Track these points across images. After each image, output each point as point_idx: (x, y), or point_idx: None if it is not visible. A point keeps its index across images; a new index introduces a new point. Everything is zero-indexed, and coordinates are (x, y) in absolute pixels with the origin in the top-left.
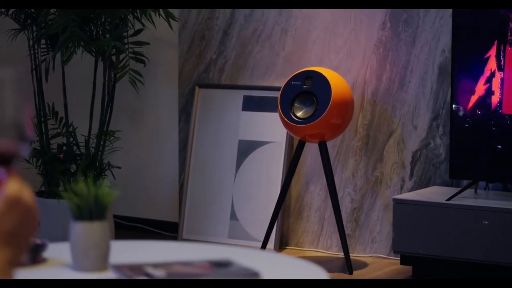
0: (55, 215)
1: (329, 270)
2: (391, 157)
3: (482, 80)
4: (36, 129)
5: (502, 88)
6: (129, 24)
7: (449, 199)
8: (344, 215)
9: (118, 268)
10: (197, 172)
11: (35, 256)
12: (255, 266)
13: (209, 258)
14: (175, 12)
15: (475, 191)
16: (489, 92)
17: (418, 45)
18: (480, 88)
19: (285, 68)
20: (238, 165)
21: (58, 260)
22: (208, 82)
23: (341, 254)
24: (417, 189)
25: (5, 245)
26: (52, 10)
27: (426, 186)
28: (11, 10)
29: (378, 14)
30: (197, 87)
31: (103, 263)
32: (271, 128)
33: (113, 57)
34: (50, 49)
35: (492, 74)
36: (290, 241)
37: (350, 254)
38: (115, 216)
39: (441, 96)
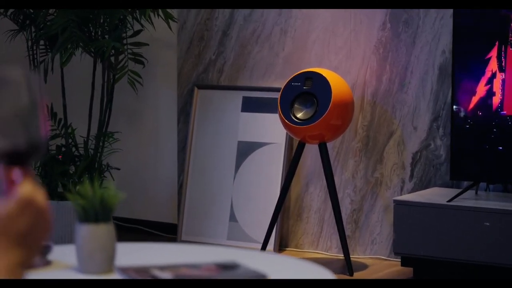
0: (54, 217)
1: None
2: (391, 158)
3: (483, 81)
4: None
5: (503, 89)
6: (128, 25)
7: (450, 200)
8: (344, 216)
9: (124, 270)
10: (196, 173)
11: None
12: (261, 268)
13: (216, 261)
14: (174, 12)
15: (476, 192)
16: (490, 93)
17: (418, 45)
18: (481, 89)
19: (285, 69)
20: (238, 166)
21: (63, 263)
22: (207, 83)
23: (341, 256)
24: (417, 190)
25: (16, 246)
26: (51, 11)
27: (426, 187)
28: (10, 11)
29: (378, 15)
30: (196, 88)
31: (109, 266)
32: (270, 129)
33: (112, 58)
34: (49, 50)
35: (493, 75)
36: (289, 242)
37: (350, 256)
38: (113, 218)
39: (441, 97)
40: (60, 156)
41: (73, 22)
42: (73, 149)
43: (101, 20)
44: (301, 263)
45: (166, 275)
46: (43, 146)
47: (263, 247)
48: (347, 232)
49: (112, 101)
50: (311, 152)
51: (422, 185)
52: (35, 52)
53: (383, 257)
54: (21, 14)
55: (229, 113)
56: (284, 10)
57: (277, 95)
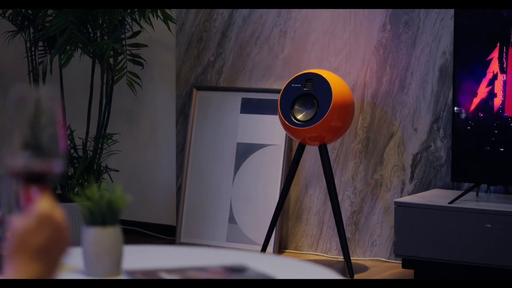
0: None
1: None
2: (391, 160)
3: (484, 82)
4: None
5: (504, 91)
6: (127, 26)
7: (451, 202)
8: (343, 218)
9: (131, 273)
10: (195, 175)
11: None
12: (269, 270)
13: (223, 263)
14: (172, 13)
15: (477, 194)
16: (491, 95)
17: (418, 47)
18: (482, 91)
19: (284, 71)
20: (237, 168)
21: (69, 266)
22: (206, 84)
23: (340, 258)
24: (417, 192)
25: (36, 261)
26: (49, 12)
27: (426, 189)
28: (8, 12)
29: (378, 16)
30: (194, 89)
31: (116, 269)
32: (270, 131)
33: (111, 60)
34: (48, 51)
35: (495, 77)
36: (289, 244)
37: (350, 258)
38: None
39: (442, 99)
40: None
41: (72, 23)
42: (72, 150)
43: (100, 21)
44: (308, 266)
45: (173, 278)
46: (61, 165)
47: (263, 249)
48: (347, 234)
49: (111, 103)
50: (311, 153)
51: (423, 186)
52: (33, 53)
53: (383, 259)
54: (19, 15)
55: (228, 115)
56: (283, 11)
57: (277, 97)
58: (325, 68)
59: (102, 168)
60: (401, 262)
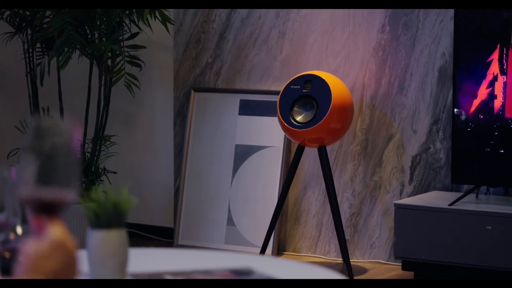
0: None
1: None
2: (390, 162)
3: (484, 84)
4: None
5: (504, 92)
6: (125, 28)
7: (451, 204)
8: (342, 220)
9: (136, 276)
10: (193, 177)
11: None
12: (276, 273)
13: (230, 267)
14: (170, 14)
15: (477, 196)
16: (491, 96)
17: (417, 48)
18: (483, 92)
19: (282, 72)
20: (235, 169)
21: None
22: (204, 86)
23: (339, 260)
24: (416, 194)
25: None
26: (47, 13)
27: (426, 191)
28: (6, 13)
29: (377, 17)
30: (192, 91)
31: (121, 272)
32: (268, 133)
33: (109, 61)
34: (46, 53)
35: (495, 78)
36: (287, 246)
37: (350, 260)
38: None
39: (441, 100)
40: None
41: (70, 25)
42: None
43: (98, 23)
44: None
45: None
46: (74, 195)
47: (262, 251)
48: (346, 236)
49: (109, 104)
50: (309, 155)
51: (422, 188)
52: (31, 54)
53: (382, 261)
54: (17, 16)
55: (226, 116)
56: (282, 13)
57: (275, 98)
58: (323, 69)
59: (100, 170)
60: (400, 264)
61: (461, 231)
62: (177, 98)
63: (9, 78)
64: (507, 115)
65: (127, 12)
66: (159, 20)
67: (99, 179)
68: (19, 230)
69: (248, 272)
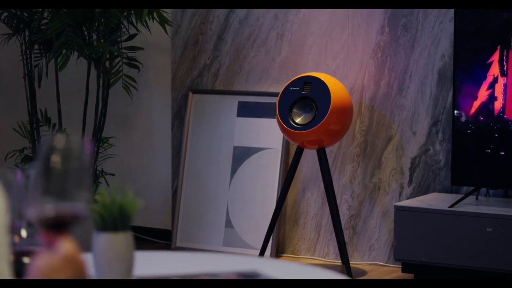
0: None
1: None
2: (389, 163)
3: (484, 85)
4: (29, 137)
5: (505, 94)
6: (123, 29)
7: (452, 205)
8: (341, 222)
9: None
10: (191, 179)
11: None
12: (281, 276)
13: (235, 270)
14: (168, 16)
15: (477, 198)
16: (491, 98)
17: (417, 50)
18: (483, 94)
19: (281, 74)
20: (233, 171)
21: None
22: (202, 88)
23: (338, 262)
24: (416, 195)
25: None
26: (45, 15)
27: (425, 192)
28: (4, 15)
29: (377, 19)
30: (190, 93)
31: (127, 275)
32: (267, 134)
33: (107, 63)
34: (44, 54)
35: (495, 80)
36: (286, 248)
37: (349, 262)
38: None
39: (441, 102)
40: None
41: (69, 26)
42: None
43: (96, 24)
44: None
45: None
46: (85, 212)
47: (261, 253)
48: (345, 238)
49: (106, 106)
50: (308, 157)
51: (421, 190)
52: (29, 56)
53: (381, 263)
54: (15, 17)
55: (224, 118)
56: (280, 14)
57: (274, 100)
58: (322, 71)
59: (98, 172)
60: (399, 266)
61: (461, 233)
62: (175, 99)
63: (7, 79)
64: (507, 116)
65: (125, 13)
66: (157, 21)
67: (97, 181)
68: (23, 233)
69: (254, 275)
